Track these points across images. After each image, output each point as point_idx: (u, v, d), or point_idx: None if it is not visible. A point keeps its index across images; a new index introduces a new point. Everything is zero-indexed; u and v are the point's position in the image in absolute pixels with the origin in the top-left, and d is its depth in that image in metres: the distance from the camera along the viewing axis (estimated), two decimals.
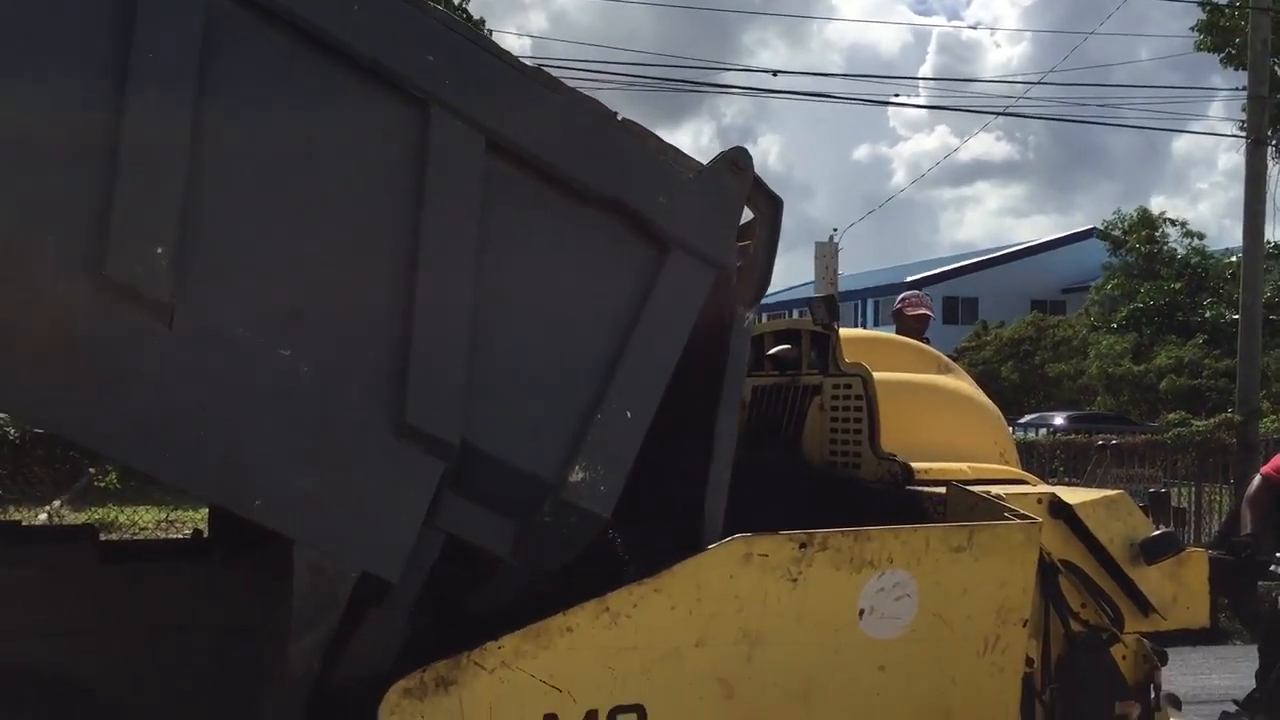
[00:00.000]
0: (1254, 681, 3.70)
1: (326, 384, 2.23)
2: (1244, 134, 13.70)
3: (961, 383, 3.93)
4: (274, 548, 2.76)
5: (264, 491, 2.20)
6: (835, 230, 16.79)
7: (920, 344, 4.34)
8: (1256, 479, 4.98)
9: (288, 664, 2.35)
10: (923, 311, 5.99)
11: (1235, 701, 3.65)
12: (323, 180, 2.28)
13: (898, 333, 5.70)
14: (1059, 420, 20.26)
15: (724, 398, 2.66)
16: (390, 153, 2.33)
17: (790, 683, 2.65)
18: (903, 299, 6.16)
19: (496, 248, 2.39)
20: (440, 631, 2.56)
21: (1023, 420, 20.53)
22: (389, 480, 2.29)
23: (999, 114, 17.86)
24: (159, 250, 2.08)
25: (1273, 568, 4.03)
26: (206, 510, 3.69)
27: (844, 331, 3.82)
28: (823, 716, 2.69)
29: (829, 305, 3.82)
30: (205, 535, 3.57)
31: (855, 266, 46.90)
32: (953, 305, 39.99)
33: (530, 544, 2.49)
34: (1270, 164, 13.55)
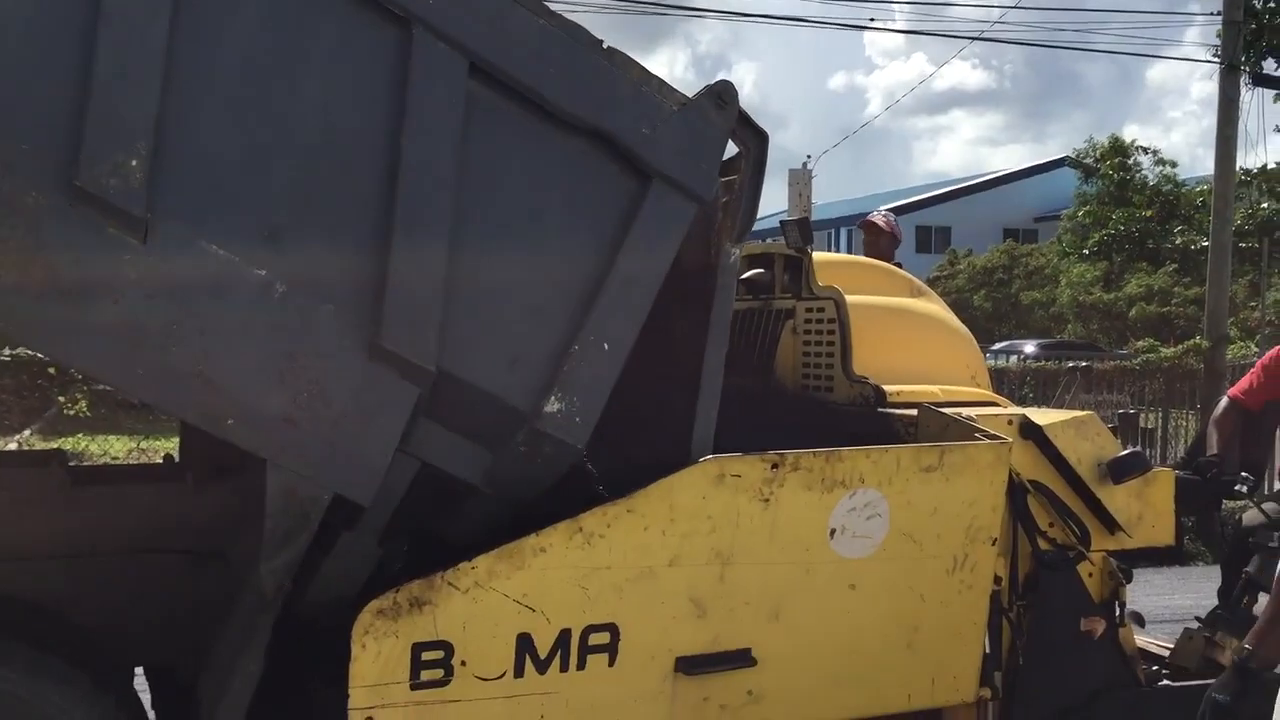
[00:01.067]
0: (1216, 600, 3.77)
1: (302, 304, 2.21)
2: (1218, 60, 13.65)
3: (934, 306, 3.94)
4: (246, 472, 2.76)
5: (237, 410, 2.19)
6: (809, 158, 16.68)
7: (893, 267, 4.34)
8: (1223, 401, 5.03)
9: (258, 583, 2.35)
10: (893, 229, 5.87)
11: (1198, 619, 3.72)
12: (302, 97, 2.24)
13: (867, 249, 5.65)
14: (1030, 348, 20.41)
15: (711, 334, 2.66)
16: (372, 72, 2.28)
17: (762, 601, 2.68)
18: (874, 212, 6.08)
19: (476, 173, 2.36)
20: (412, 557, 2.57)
21: (995, 348, 20.68)
22: (363, 404, 2.28)
23: (974, 39, 17.71)
24: (133, 163, 2.04)
25: (1237, 487, 4.09)
26: (178, 440, 3.67)
27: (817, 255, 3.81)
28: (793, 634, 2.73)
29: (802, 229, 3.80)
30: (176, 460, 3.55)
31: (830, 195, 46.80)
32: (926, 234, 40.01)
33: (503, 473, 2.49)
34: (1243, 90, 13.52)
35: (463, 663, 2.40)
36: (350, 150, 2.28)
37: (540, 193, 2.47)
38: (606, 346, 2.46)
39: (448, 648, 2.38)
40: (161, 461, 3.65)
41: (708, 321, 2.66)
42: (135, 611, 3.03)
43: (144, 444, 9.60)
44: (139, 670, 3.24)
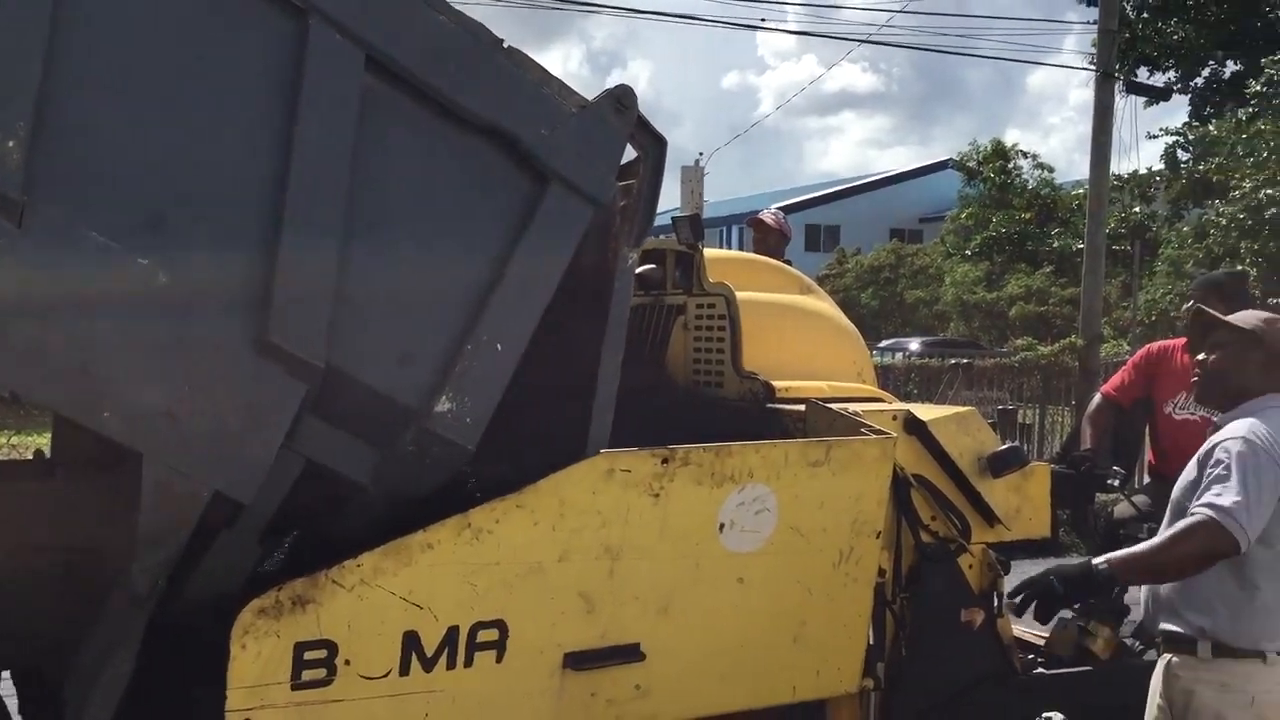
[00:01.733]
0: None
1: (186, 295, 2.14)
2: (1093, 67, 14.14)
3: (822, 303, 3.99)
4: (122, 468, 2.66)
5: (114, 404, 2.11)
6: (701, 155, 16.83)
7: (782, 264, 4.39)
8: (1096, 397, 5.22)
9: (131, 583, 2.28)
10: (781, 227, 5.94)
11: (1072, 608, 3.84)
12: (191, 84, 2.17)
13: (756, 246, 5.70)
14: (915, 345, 20.90)
15: (608, 337, 2.66)
16: (266, 62, 2.22)
17: (651, 596, 2.69)
18: (763, 210, 6.14)
19: (371, 168, 2.31)
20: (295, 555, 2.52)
21: (881, 345, 21.10)
22: (247, 399, 2.22)
23: (862, 41, 18.10)
24: (10, 144, 1.96)
25: (1110, 481, 4.24)
26: (50, 435, 3.53)
27: (708, 251, 3.83)
28: (683, 629, 2.74)
29: (694, 225, 3.82)
30: (47, 456, 3.42)
31: (723, 193, 47.21)
32: (815, 233, 40.66)
33: (391, 473, 2.45)
34: (1117, 97, 14.02)
35: (346, 662, 2.35)
36: (241, 140, 2.21)
37: (436, 191, 2.43)
38: (500, 347, 2.44)
39: (331, 647, 2.34)
40: (32, 457, 3.50)
41: (604, 324, 2.66)
42: (4, 611, 2.90)
43: (15, 439, 9.23)
44: (4, 673, 3.12)
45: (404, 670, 2.42)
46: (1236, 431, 2.88)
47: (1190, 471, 2.93)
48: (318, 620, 2.31)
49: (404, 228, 2.39)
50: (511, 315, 2.46)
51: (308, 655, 2.31)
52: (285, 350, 2.21)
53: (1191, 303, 4.32)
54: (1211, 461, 2.87)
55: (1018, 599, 2.97)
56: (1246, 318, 3.09)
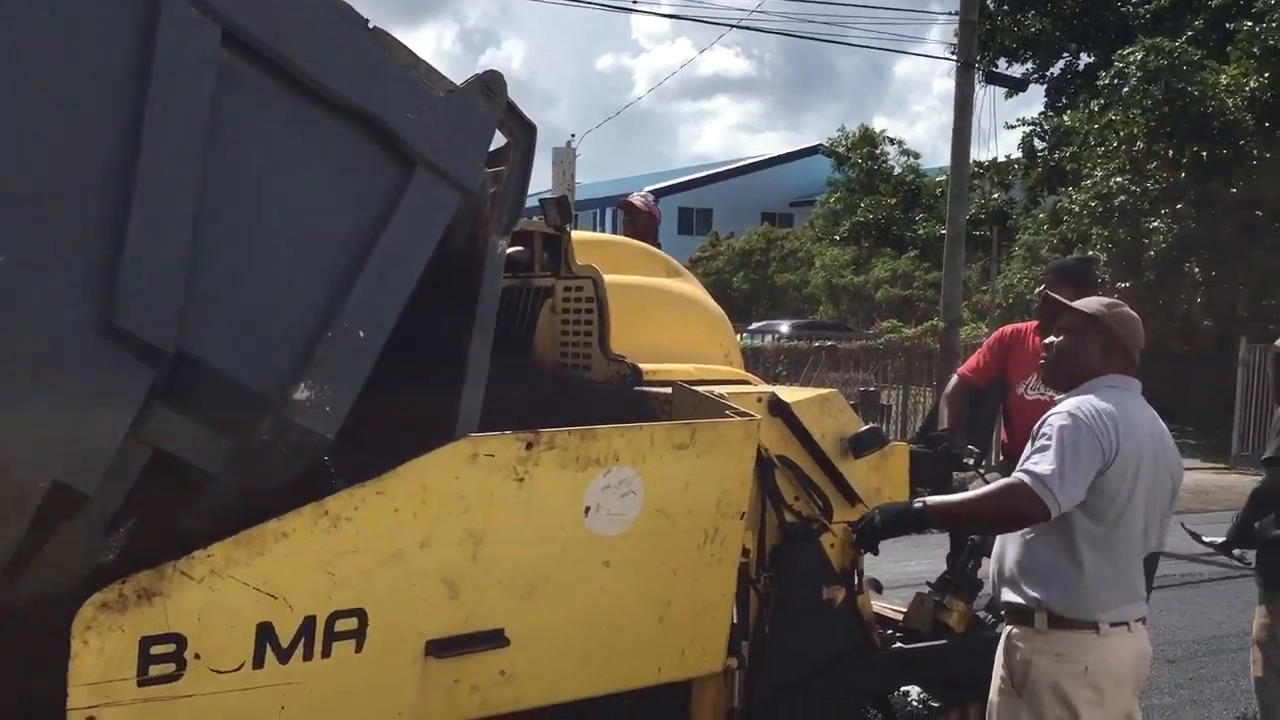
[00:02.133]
0: (946, 566, 4.01)
1: (27, 276, 2.03)
2: (955, 58, 14.53)
3: (689, 286, 4.01)
4: None
5: None
6: (573, 136, 16.78)
7: (650, 247, 4.39)
8: (954, 379, 5.37)
9: None
10: (651, 210, 5.95)
11: (929, 584, 3.95)
12: (33, 56, 2.05)
13: (626, 229, 5.70)
14: (784, 328, 21.27)
15: (478, 325, 2.62)
16: (117, 31, 2.11)
17: (516, 581, 2.67)
18: (633, 194, 6.14)
19: (228, 148, 2.22)
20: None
21: (752, 327, 21.41)
22: (91, 385, 2.11)
23: (733, 26, 18.28)
24: None
25: (965, 460, 4.37)
26: None
27: (576, 234, 3.81)
28: (548, 613, 2.73)
29: (561, 207, 3.80)
30: None
31: (597, 176, 47.15)
32: (688, 216, 40.99)
33: (246, 462, 2.37)
34: (978, 88, 14.45)
35: (196, 655, 2.27)
36: (87, 115, 2.10)
37: (298, 173, 2.35)
38: (362, 334, 2.38)
39: (180, 640, 2.25)
40: None
41: (474, 312, 2.62)
42: None
43: None
44: None
45: (258, 663, 2.34)
46: (1064, 407, 3.02)
47: (1028, 448, 3.05)
48: (165, 613, 2.23)
49: (262, 211, 2.31)
50: (375, 302, 2.40)
51: (154, 650, 2.23)
52: (132, 334, 2.11)
53: (1042, 287, 4.49)
54: (1038, 434, 3.01)
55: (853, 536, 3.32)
56: (1089, 303, 3.22)
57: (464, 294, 2.66)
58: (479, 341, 2.63)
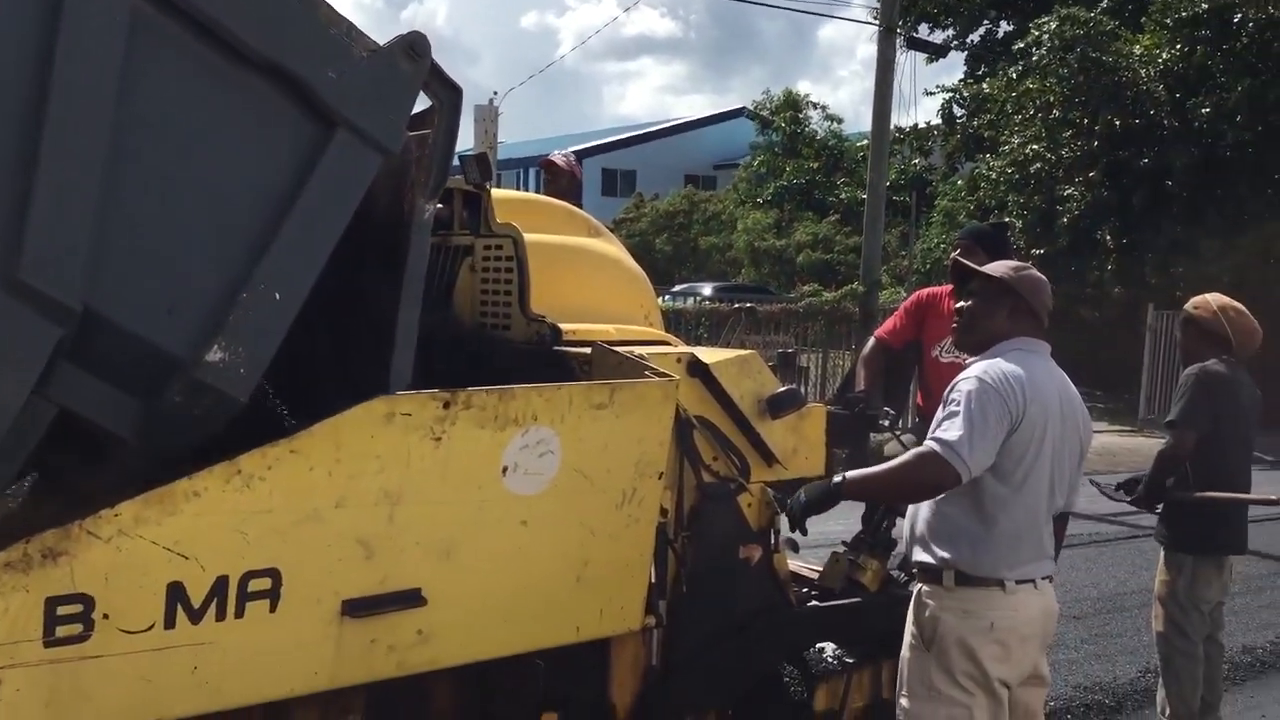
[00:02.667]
0: (861, 526, 4.08)
1: None
2: (877, 22, 14.62)
3: (610, 246, 4.00)
4: None
5: None
6: (495, 93, 16.58)
7: (571, 207, 4.36)
8: (871, 341, 5.45)
9: None
10: (573, 169, 5.92)
11: (844, 543, 4.02)
12: None
13: (547, 189, 5.67)
14: (707, 290, 21.34)
15: (404, 291, 2.59)
16: None
17: (433, 541, 2.66)
18: (554, 153, 6.11)
19: (141, 102, 2.16)
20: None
21: (674, 289, 21.45)
22: None
23: None
24: None
25: (881, 421, 4.44)
26: None
27: (496, 193, 3.77)
28: (466, 573, 2.72)
29: (481, 164, 3.76)
30: None
31: (520, 135, 46.72)
32: (612, 177, 40.86)
33: (157, 425, 2.33)
34: (899, 53, 14.55)
35: (105, 616, 2.23)
36: None
37: (213, 130, 2.30)
38: (278, 296, 2.34)
39: (88, 600, 2.21)
40: None
41: (400, 277, 2.59)
42: None
43: None
44: None
45: (169, 623, 2.31)
46: (972, 371, 3.09)
47: (938, 413, 3.11)
48: (71, 573, 2.18)
49: (177, 167, 2.25)
50: (292, 263, 2.36)
51: (61, 610, 2.18)
52: (38, 290, 2.05)
53: (957, 252, 4.55)
54: (948, 400, 3.07)
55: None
56: (997, 267, 3.28)
57: (390, 257, 2.62)
58: (407, 307, 2.60)
